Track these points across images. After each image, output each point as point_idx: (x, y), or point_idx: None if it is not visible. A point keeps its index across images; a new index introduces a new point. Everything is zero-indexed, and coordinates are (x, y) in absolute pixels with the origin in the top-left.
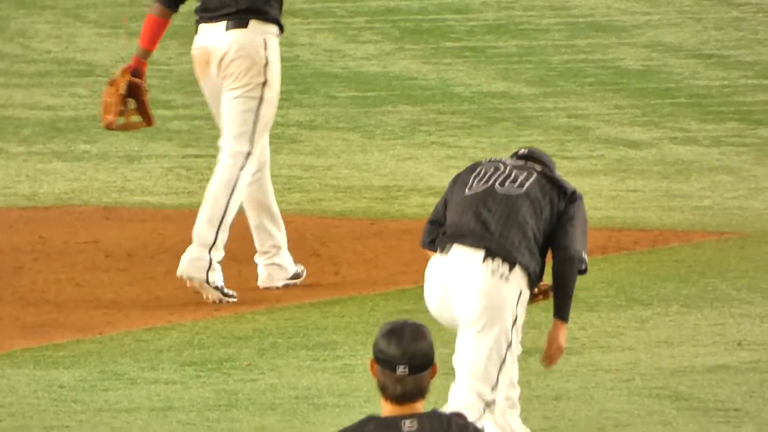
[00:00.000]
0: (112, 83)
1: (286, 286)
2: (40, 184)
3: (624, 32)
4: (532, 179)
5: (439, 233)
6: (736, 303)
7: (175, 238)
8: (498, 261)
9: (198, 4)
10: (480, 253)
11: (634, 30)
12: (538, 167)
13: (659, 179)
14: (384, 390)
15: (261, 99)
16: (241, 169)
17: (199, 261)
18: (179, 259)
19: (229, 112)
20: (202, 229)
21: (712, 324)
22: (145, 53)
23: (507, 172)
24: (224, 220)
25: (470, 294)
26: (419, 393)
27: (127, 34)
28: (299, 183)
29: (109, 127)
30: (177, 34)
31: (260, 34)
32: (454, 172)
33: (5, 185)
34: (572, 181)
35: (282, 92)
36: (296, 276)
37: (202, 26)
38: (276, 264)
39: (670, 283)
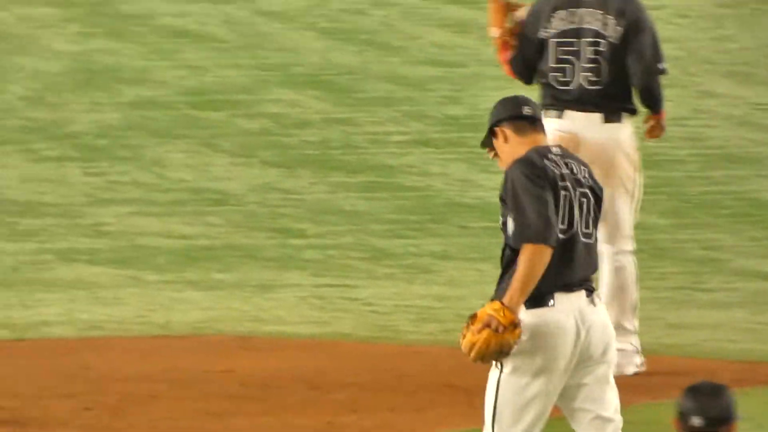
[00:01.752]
0: None
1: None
2: (174, 312)
3: (759, 164)
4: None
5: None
6: None
7: (309, 368)
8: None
9: (555, 88)
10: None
11: None
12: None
13: None
14: None
15: (633, 192)
16: (631, 251)
17: (626, 356)
18: (314, 388)
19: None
20: (619, 328)
21: None
22: None
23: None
24: (636, 306)
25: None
26: None
27: (260, 163)
28: (433, 313)
29: None
30: (309, 163)
31: (630, 128)
32: None
33: (140, 314)
34: (707, 315)
35: (415, 222)
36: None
37: (570, 113)
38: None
39: None
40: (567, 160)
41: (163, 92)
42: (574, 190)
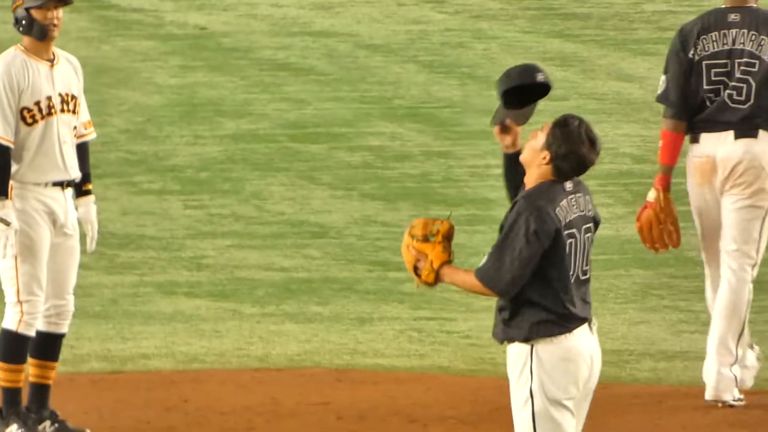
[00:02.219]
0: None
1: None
2: (273, 345)
3: None
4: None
5: None
6: None
7: (407, 401)
8: None
9: (706, 108)
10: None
11: None
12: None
13: None
14: None
15: (767, 209)
16: (751, 280)
17: (725, 380)
18: (412, 421)
19: (736, 222)
20: (723, 347)
21: None
22: (668, 169)
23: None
24: (743, 334)
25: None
26: None
27: (360, 196)
28: None
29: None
30: (409, 196)
31: (766, 143)
32: (686, 337)
33: (239, 346)
34: None
35: None
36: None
37: (705, 135)
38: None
39: None
40: (576, 197)
41: (263, 125)
42: (580, 232)
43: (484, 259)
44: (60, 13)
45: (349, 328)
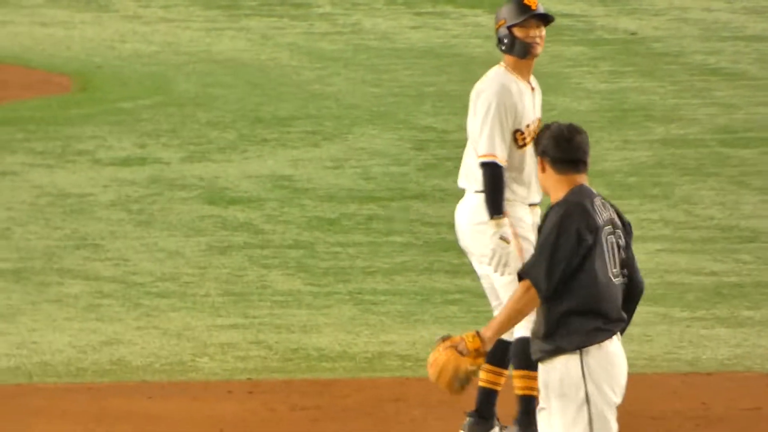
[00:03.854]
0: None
1: None
2: (703, 349)
3: None
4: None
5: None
6: None
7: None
8: None
9: None
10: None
11: None
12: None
13: None
14: None
15: None
16: None
17: None
18: None
19: None
20: None
21: None
22: None
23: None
24: None
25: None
26: None
27: None
28: None
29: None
30: None
31: None
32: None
33: (668, 350)
34: None
35: None
36: None
37: None
38: None
39: None
40: (603, 202)
41: (693, 130)
42: (614, 233)
43: (527, 261)
44: (542, 31)
45: None
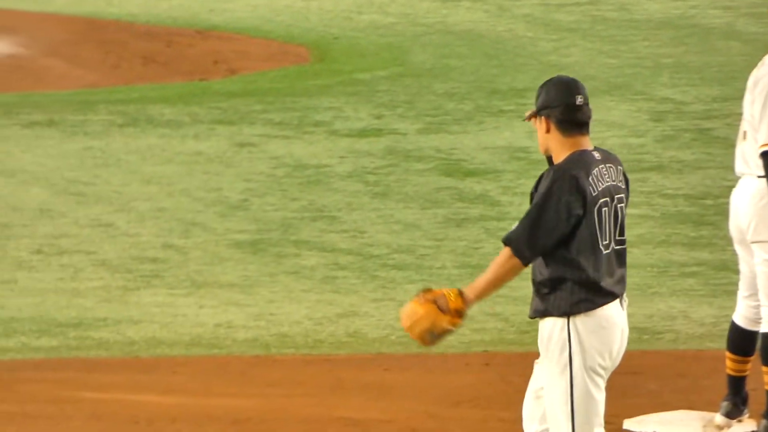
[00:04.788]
0: None
1: None
2: None
3: None
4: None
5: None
6: None
7: None
8: None
9: None
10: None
11: None
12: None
13: None
14: None
15: None
16: None
17: None
18: None
19: None
20: None
21: None
22: None
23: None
24: None
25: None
26: None
27: None
28: None
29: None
30: None
31: None
32: None
33: None
34: None
35: None
36: None
37: None
38: None
39: None
40: (607, 166)
41: None
42: (612, 201)
43: (513, 226)
44: None
45: None
